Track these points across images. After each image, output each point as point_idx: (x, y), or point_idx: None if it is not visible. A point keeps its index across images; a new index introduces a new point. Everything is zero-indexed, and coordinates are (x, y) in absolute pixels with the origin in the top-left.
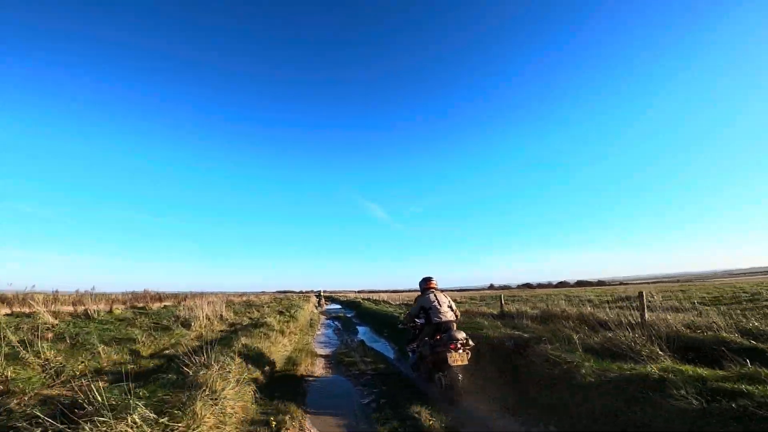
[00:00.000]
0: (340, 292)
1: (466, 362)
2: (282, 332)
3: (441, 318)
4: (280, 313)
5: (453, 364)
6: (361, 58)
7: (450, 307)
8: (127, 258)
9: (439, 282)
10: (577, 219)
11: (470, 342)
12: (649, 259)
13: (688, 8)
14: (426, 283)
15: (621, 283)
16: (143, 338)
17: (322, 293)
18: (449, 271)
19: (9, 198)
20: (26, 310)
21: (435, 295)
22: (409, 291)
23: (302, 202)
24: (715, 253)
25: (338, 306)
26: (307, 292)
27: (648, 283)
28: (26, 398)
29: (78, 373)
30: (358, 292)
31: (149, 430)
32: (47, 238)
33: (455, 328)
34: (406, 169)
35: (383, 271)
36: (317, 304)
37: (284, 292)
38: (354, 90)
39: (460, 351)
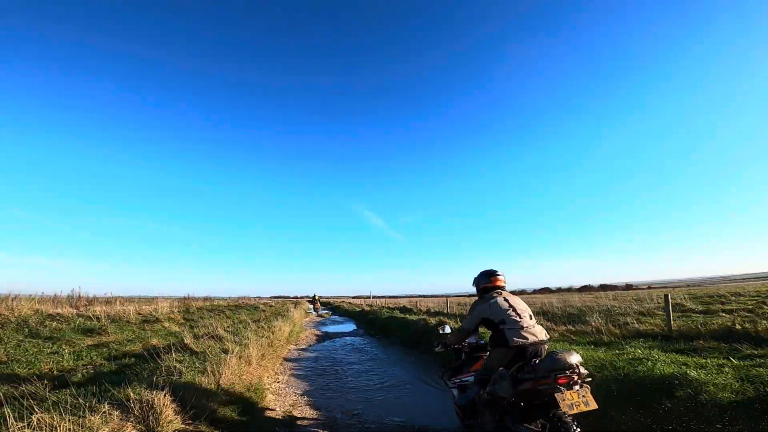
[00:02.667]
0: (337, 298)
1: (593, 406)
2: None
3: (527, 337)
4: None
5: (569, 411)
6: (357, 67)
7: (531, 317)
8: (122, 263)
9: (440, 288)
10: (574, 225)
11: (582, 370)
12: (641, 266)
13: (687, 6)
14: (489, 280)
15: (649, 287)
16: None
17: (317, 298)
18: (446, 277)
19: (3, 203)
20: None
21: (507, 299)
22: (421, 296)
23: (297, 209)
24: (703, 260)
25: (351, 326)
26: (302, 297)
27: (673, 287)
28: None
29: None
30: (354, 298)
31: None
32: (37, 243)
33: (545, 350)
34: (403, 176)
35: (379, 278)
36: (313, 309)
37: (278, 297)
38: (350, 97)
39: (577, 387)
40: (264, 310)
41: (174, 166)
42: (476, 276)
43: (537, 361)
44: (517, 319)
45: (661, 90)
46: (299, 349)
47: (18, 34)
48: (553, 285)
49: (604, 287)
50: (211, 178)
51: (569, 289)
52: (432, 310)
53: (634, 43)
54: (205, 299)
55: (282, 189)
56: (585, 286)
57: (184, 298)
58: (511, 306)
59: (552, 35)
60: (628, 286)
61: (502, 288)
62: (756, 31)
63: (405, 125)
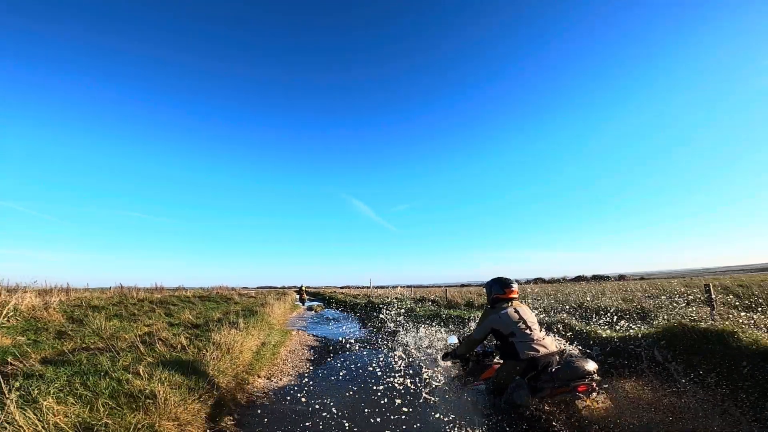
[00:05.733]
0: (327, 288)
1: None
2: None
3: (538, 350)
4: None
5: (589, 415)
6: (350, 63)
7: (541, 329)
8: (113, 254)
9: (426, 278)
10: (559, 219)
11: (596, 376)
12: (624, 258)
13: (684, 6)
14: (503, 291)
15: (642, 278)
16: None
17: (304, 288)
18: (435, 268)
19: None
20: None
21: (517, 311)
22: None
23: (283, 198)
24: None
25: (356, 326)
26: (290, 287)
27: (666, 278)
28: None
29: None
30: (343, 287)
31: None
32: (35, 237)
33: (556, 361)
34: (394, 167)
35: (368, 267)
36: (299, 301)
37: (265, 287)
38: (343, 92)
39: (595, 394)
40: (237, 302)
41: (172, 163)
42: (488, 282)
43: (553, 369)
44: (528, 332)
45: (651, 87)
46: (272, 394)
47: (14, 31)
48: (545, 275)
49: (597, 278)
50: (203, 171)
51: (562, 280)
52: (476, 304)
53: (629, 42)
54: (177, 289)
55: (269, 179)
56: (578, 277)
57: (121, 286)
58: (521, 318)
59: (544, 36)
60: (621, 277)
61: (515, 298)
62: (745, 33)
63: (396, 119)
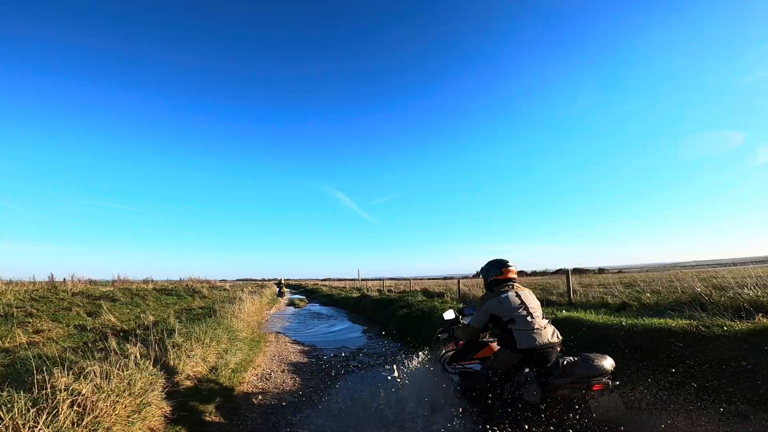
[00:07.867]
0: (308, 280)
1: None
2: None
3: (536, 339)
4: None
5: (600, 418)
6: (333, 54)
7: (543, 315)
8: (92, 246)
9: (408, 271)
10: (537, 213)
11: (609, 370)
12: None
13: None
14: (500, 272)
15: (620, 271)
16: None
17: (283, 281)
18: (416, 260)
19: None
20: None
21: (519, 295)
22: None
23: (261, 189)
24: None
25: (351, 325)
26: (269, 280)
27: (646, 271)
28: None
29: None
30: (323, 280)
31: None
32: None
33: (556, 354)
34: (376, 159)
35: (349, 260)
36: (279, 294)
37: (244, 279)
38: (328, 86)
39: (609, 393)
40: (206, 296)
41: (163, 162)
42: (484, 266)
43: (565, 362)
44: (529, 318)
45: (634, 80)
46: None
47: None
48: (527, 269)
49: (577, 271)
50: (189, 166)
51: (544, 273)
52: None
53: (619, 37)
54: (144, 281)
55: (247, 172)
56: (559, 270)
57: (52, 277)
58: (522, 303)
59: (535, 30)
60: (601, 270)
61: (513, 280)
62: (722, 27)
63: (380, 112)
